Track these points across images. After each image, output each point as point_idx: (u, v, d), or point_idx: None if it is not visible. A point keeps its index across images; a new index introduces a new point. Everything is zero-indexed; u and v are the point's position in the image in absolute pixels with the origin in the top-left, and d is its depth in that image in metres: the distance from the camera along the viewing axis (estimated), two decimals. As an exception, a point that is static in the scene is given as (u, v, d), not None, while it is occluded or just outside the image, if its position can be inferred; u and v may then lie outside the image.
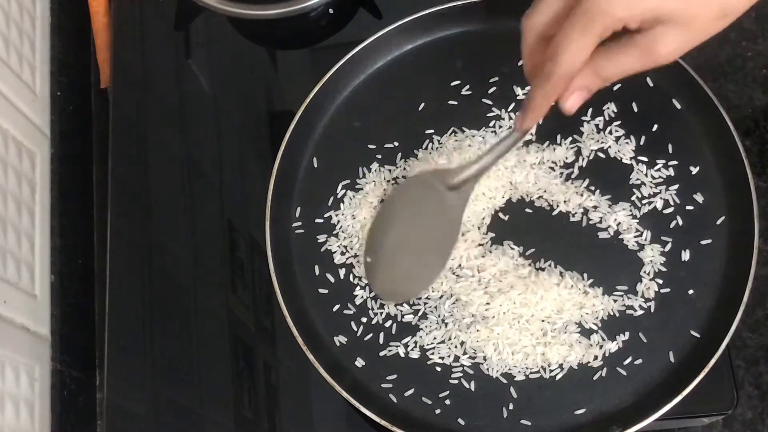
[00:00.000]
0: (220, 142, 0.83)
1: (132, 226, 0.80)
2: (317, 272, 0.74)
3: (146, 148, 0.83)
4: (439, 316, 0.71)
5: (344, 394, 0.67)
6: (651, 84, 0.77)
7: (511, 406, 0.69)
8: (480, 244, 0.72)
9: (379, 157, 0.77)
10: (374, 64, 0.80)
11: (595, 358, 0.69)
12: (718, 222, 0.72)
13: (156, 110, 0.84)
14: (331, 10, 0.85)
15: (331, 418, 0.73)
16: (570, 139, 0.75)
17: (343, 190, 0.76)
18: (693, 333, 0.69)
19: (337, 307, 0.73)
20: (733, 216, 0.72)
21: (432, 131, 0.77)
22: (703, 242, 0.71)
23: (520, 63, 0.77)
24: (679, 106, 0.76)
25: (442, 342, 0.70)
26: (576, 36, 0.52)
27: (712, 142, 0.74)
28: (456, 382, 0.70)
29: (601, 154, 0.75)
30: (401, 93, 0.79)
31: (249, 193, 0.79)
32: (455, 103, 0.78)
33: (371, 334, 0.72)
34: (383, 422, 0.67)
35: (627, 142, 0.75)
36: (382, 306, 0.72)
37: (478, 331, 0.70)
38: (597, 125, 0.76)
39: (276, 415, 0.74)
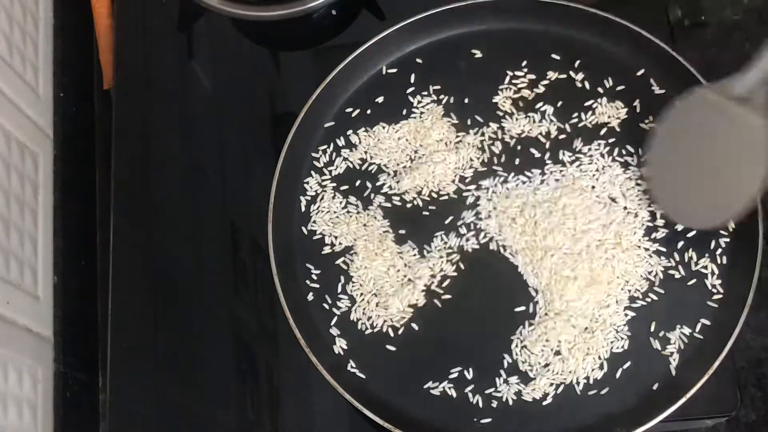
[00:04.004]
0: (223, 144, 0.83)
1: (134, 228, 0.80)
2: (320, 274, 0.74)
3: (149, 150, 0.83)
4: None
5: (346, 395, 0.67)
6: (654, 85, 0.76)
7: (513, 409, 0.68)
8: None
9: (383, 160, 0.77)
10: (377, 65, 0.80)
11: (599, 360, 0.69)
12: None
13: (159, 111, 0.84)
14: (333, 12, 0.84)
15: (333, 419, 0.73)
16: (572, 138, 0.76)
17: (347, 194, 0.76)
18: (696, 335, 0.69)
19: (339, 309, 0.73)
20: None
21: (435, 132, 0.77)
22: (707, 244, 0.71)
23: (523, 63, 0.78)
24: (682, 107, 0.76)
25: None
26: None
27: (716, 143, 0.74)
28: (457, 382, 0.70)
29: (601, 156, 0.75)
30: (404, 94, 0.79)
31: (252, 194, 0.79)
32: (459, 104, 0.78)
33: (373, 336, 0.72)
34: (384, 423, 0.67)
35: (630, 144, 0.75)
36: (384, 308, 0.72)
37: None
38: (598, 127, 0.76)
39: (278, 416, 0.74)
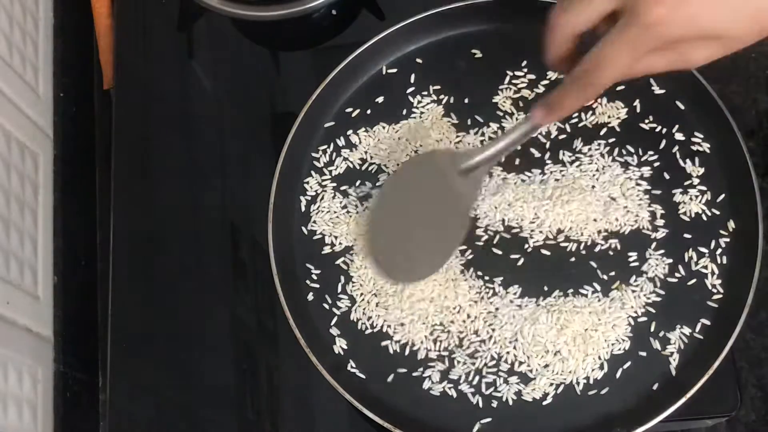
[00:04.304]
0: (223, 144, 0.83)
1: (134, 228, 0.80)
2: (320, 274, 0.74)
3: (149, 150, 0.83)
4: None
5: (346, 395, 0.67)
6: (654, 85, 0.76)
7: (513, 409, 0.68)
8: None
9: (383, 160, 0.77)
10: (377, 65, 0.80)
11: (599, 360, 0.69)
12: (722, 223, 0.72)
13: (159, 111, 0.84)
14: (333, 12, 0.84)
15: (333, 419, 0.73)
16: (571, 140, 0.76)
17: (347, 194, 0.76)
18: (696, 335, 0.69)
19: (339, 309, 0.73)
20: (737, 217, 0.72)
21: (435, 132, 0.77)
22: (707, 244, 0.71)
23: (523, 63, 0.78)
24: (682, 107, 0.76)
25: (444, 342, 0.71)
26: (626, 51, 0.51)
27: (716, 143, 0.74)
28: (457, 382, 0.70)
29: (601, 156, 0.75)
30: (404, 94, 0.79)
31: (252, 194, 0.79)
32: (459, 104, 0.78)
33: (373, 336, 0.72)
34: (385, 423, 0.67)
35: (630, 144, 0.75)
36: (384, 308, 0.72)
37: (478, 336, 0.70)
38: (598, 127, 0.76)
39: (278, 416, 0.74)
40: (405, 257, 0.68)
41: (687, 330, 0.69)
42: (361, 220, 0.74)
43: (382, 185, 0.74)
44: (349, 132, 0.78)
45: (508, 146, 0.63)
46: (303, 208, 0.76)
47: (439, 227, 0.67)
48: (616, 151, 0.75)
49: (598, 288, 0.71)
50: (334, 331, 0.72)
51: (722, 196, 0.73)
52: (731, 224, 0.72)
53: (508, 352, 0.70)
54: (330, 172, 0.77)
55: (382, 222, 0.69)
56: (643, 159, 0.74)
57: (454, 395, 0.69)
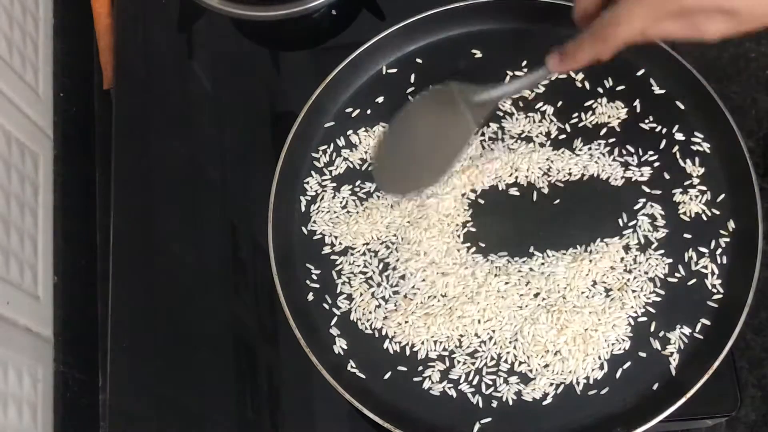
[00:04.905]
0: (223, 144, 0.83)
1: (134, 228, 0.80)
2: (319, 274, 0.74)
3: (149, 150, 0.83)
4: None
5: (346, 395, 0.67)
6: (654, 85, 0.76)
7: (513, 409, 0.68)
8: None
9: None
10: (377, 66, 0.80)
11: (599, 360, 0.69)
12: (722, 223, 0.72)
13: (159, 111, 0.84)
14: (333, 12, 0.84)
15: (333, 418, 0.73)
16: (572, 142, 0.76)
17: (347, 194, 0.76)
18: (696, 335, 0.69)
19: (339, 308, 0.73)
20: (737, 217, 0.72)
21: (435, 132, 0.77)
22: (707, 244, 0.71)
23: (523, 63, 0.78)
24: (682, 107, 0.76)
25: (444, 342, 0.71)
26: (644, 13, 0.53)
27: (716, 143, 0.74)
28: (457, 382, 0.70)
29: (601, 155, 0.75)
30: (404, 94, 0.79)
31: (251, 194, 0.79)
32: (458, 104, 0.78)
33: (373, 336, 0.72)
34: (385, 424, 0.67)
35: (630, 144, 0.75)
36: (384, 308, 0.72)
37: (478, 336, 0.70)
38: (598, 127, 0.76)
39: (278, 415, 0.74)
40: (405, 171, 0.71)
41: (687, 330, 0.69)
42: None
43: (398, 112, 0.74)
44: (349, 132, 0.78)
45: (520, 89, 0.68)
46: (303, 208, 0.76)
47: (441, 146, 0.70)
48: (617, 151, 0.75)
49: (599, 288, 0.71)
50: (334, 331, 0.72)
51: (722, 196, 0.73)
52: (731, 224, 0.72)
53: (508, 352, 0.70)
54: (330, 172, 0.77)
55: (391, 142, 0.71)
56: (643, 159, 0.74)
57: (454, 395, 0.69)
